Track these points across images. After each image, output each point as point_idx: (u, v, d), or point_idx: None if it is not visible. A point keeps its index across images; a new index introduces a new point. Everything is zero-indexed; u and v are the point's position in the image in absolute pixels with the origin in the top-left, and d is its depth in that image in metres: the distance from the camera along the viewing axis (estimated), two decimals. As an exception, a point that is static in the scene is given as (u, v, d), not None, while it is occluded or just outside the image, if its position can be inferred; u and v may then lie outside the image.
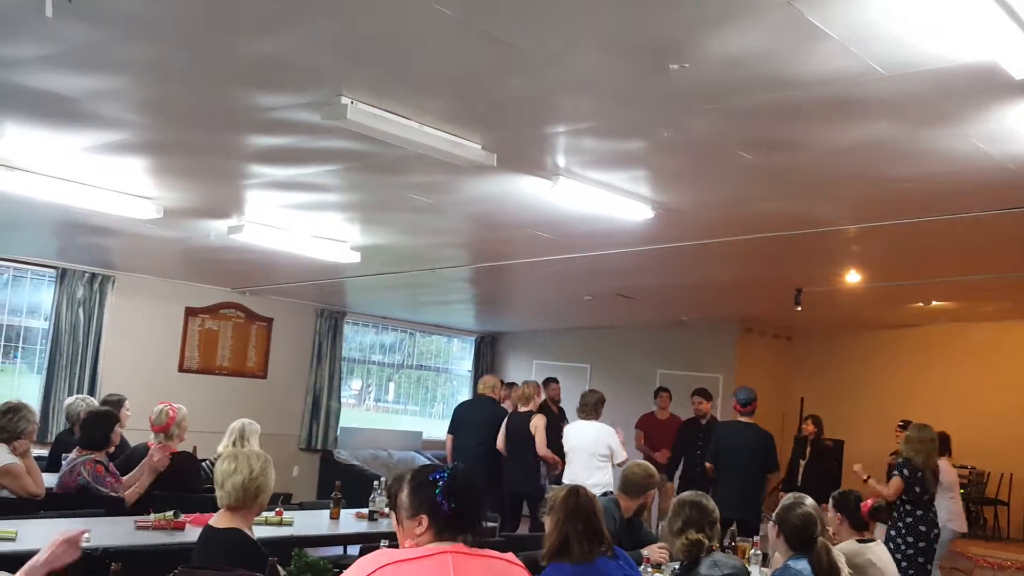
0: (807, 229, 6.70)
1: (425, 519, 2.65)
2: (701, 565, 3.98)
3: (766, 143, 4.94)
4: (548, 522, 3.73)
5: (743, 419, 7.73)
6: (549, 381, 10.81)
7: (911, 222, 6.30)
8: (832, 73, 3.86)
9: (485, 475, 8.52)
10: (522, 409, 8.49)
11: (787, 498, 4.32)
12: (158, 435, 6.02)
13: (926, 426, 7.20)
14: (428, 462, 12.15)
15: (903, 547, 6.86)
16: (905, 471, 6.97)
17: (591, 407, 7.67)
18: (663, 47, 3.75)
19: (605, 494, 5.64)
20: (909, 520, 6.89)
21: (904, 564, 6.75)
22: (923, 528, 6.86)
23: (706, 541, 4.05)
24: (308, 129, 4.87)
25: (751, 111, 4.43)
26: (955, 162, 5.04)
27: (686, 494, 4.40)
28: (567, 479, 7.40)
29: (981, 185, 5.44)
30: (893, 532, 6.97)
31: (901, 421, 9.08)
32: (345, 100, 4.32)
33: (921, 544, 6.82)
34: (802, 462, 9.60)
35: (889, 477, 7.24)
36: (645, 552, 4.78)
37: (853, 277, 8.90)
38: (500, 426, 8.59)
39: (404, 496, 2.71)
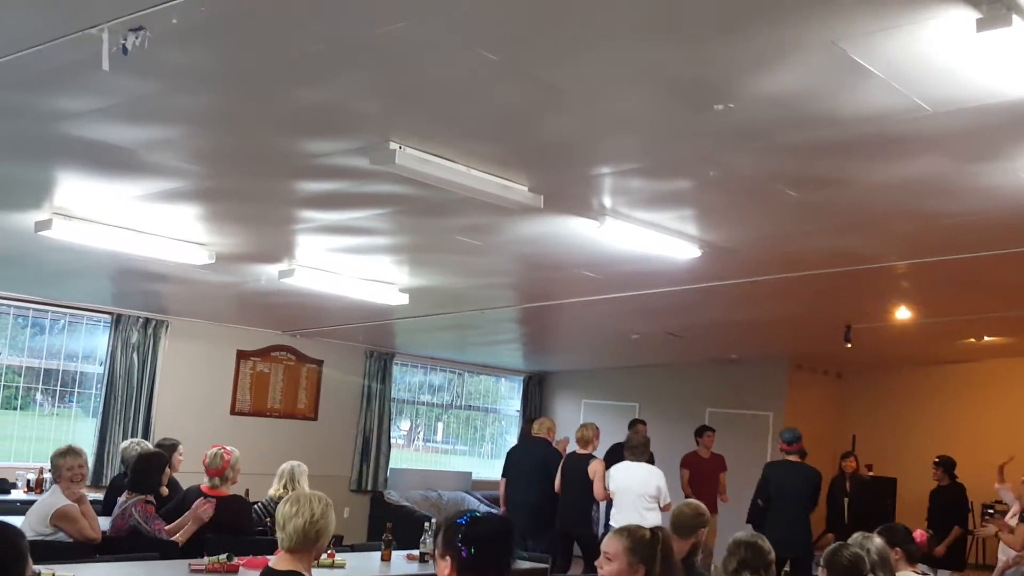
0: (856, 266, 6.66)
1: (449, 561, 2.80)
2: (755, 606, 3.94)
3: (813, 180, 4.94)
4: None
5: (791, 458, 7.71)
6: (636, 423, 10.76)
7: (959, 257, 6.25)
8: (877, 110, 3.86)
9: (536, 517, 8.50)
10: (580, 451, 8.48)
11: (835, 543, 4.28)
12: (213, 479, 6.08)
13: None
14: (477, 503, 12.15)
15: None
16: None
17: (641, 448, 7.67)
18: (708, 87, 3.79)
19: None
20: None
21: None
22: None
23: (761, 582, 4.00)
24: (357, 174, 4.95)
25: (797, 149, 4.44)
26: (1003, 196, 5.00)
27: (741, 534, 4.35)
28: (615, 520, 7.38)
29: (1031, 219, 5.39)
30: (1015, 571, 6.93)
31: (937, 457, 8.99)
32: (393, 145, 4.40)
33: None
34: (846, 499, 9.52)
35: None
36: (697, 594, 4.73)
37: (903, 313, 8.80)
38: (554, 468, 8.57)
39: (439, 537, 2.89)
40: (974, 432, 11.55)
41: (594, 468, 8.26)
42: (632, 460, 7.65)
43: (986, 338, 10.48)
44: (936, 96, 3.69)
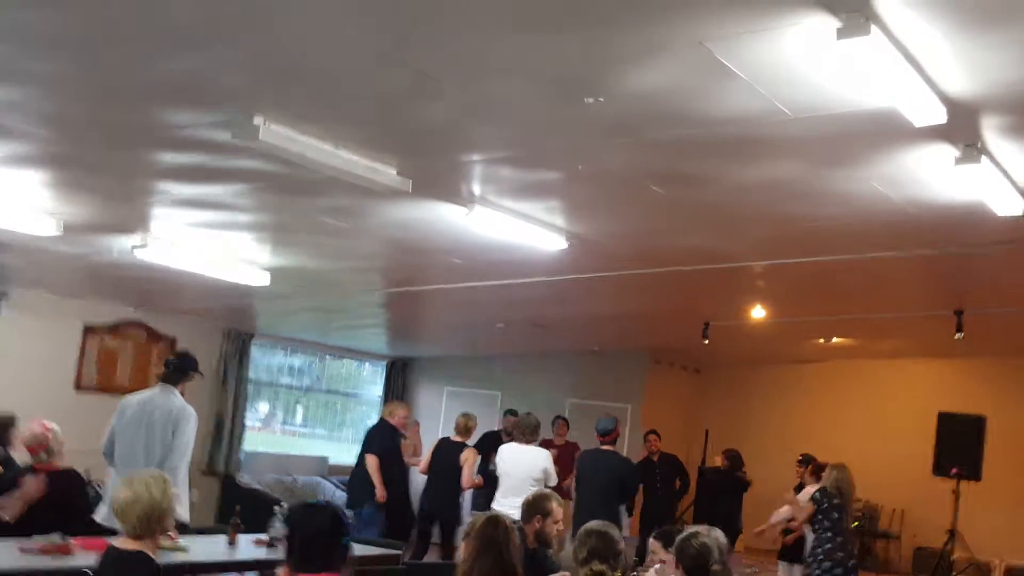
0: (715, 264, 6.82)
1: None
2: (603, 595, 3.98)
3: (677, 178, 5.03)
4: (464, 548, 3.69)
5: (605, 448, 7.86)
6: (508, 413, 10.89)
7: (814, 260, 6.46)
8: (740, 112, 3.94)
9: (359, 490, 8.54)
10: (455, 439, 8.51)
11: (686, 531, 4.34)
12: (38, 455, 5.77)
13: (844, 466, 7.58)
14: (333, 488, 11.99)
15: (817, 571, 7.08)
16: (816, 495, 7.25)
17: (531, 430, 7.70)
18: (579, 80, 3.79)
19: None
20: (828, 546, 7.11)
21: None
22: (840, 555, 7.10)
23: (610, 572, 4.04)
24: (219, 148, 4.77)
25: (663, 146, 4.51)
26: (857, 203, 5.19)
27: (592, 523, 4.38)
28: (498, 501, 7.46)
29: (881, 227, 5.61)
30: (812, 558, 7.20)
31: (800, 455, 9.22)
32: (258, 120, 4.26)
33: (837, 570, 7.04)
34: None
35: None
36: (547, 583, 4.75)
37: (758, 312, 9.08)
38: (389, 449, 8.61)
39: None
40: (819, 429, 11.99)
41: (465, 456, 8.30)
42: (521, 442, 7.69)
43: (834, 339, 10.90)
44: (796, 102, 3.79)
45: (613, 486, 7.63)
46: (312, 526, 2.79)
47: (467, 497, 10.67)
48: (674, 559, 4.20)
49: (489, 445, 9.74)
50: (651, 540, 5.30)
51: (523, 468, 7.50)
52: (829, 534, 7.18)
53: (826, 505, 7.27)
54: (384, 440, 8.73)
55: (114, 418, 6.34)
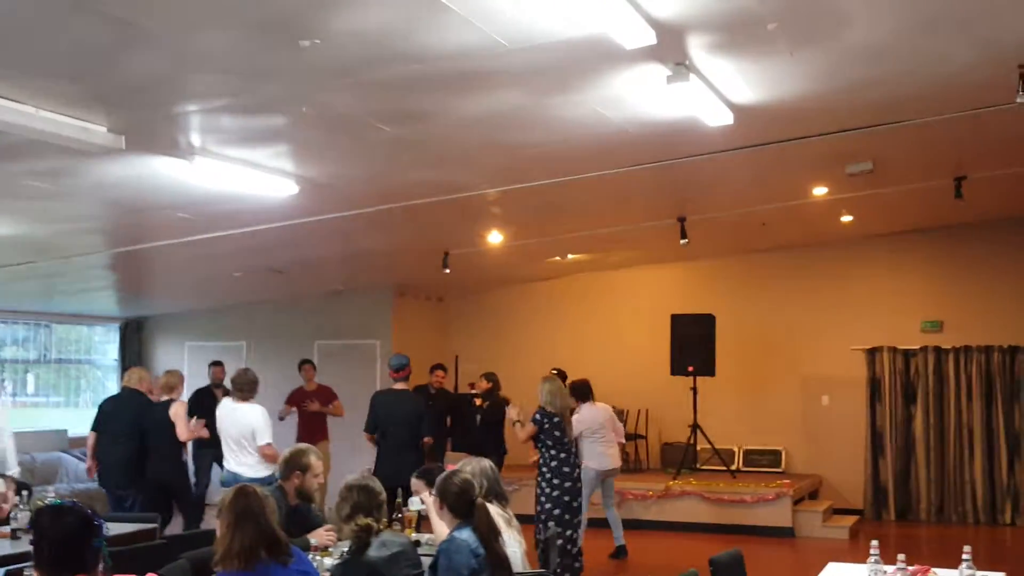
0: (449, 195, 6.89)
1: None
2: (371, 547, 3.98)
3: (401, 116, 5.03)
4: (220, 525, 3.57)
5: (398, 386, 7.84)
6: (213, 364, 10.50)
7: (543, 184, 6.65)
8: (459, 47, 3.97)
9: (127, 471, 8.03)
10: (163, 398, 8.04)
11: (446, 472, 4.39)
12: None
13: (554, 377, 7.84)
14: (77, 462, 11.33)
15: (547, 489, 7.31)
16: (537, 416, 7.44)
17: (248, 387, 7.32)
18: (292, 23, 3.70)
19: (271, 483, 5.46)
20: (554, 464, 7.34)
21: (549, 505, 7.30)
22: (567, 469, 7.35)
23: (375, 524, 4.04)
24: None
25: (384, 85, 4.49)
26: (579, 127, 5.38)
27: (352, 478, 4.35)
28: (227, 461, 7.21)
29: (603, 147, 5.86)
30: (540, 477, 7.40)
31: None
32: (-66, 84, 3.86)
33: (567, 484, 7.31)
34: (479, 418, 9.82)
35: None
36: (313, 539, 4.70)
37: (496, 237, 9.28)
38: (147, 420, 8.11)
39: None
40: (564, 343, 12.47)
41: (175, 411, 7.87)
42: (237, 400, 7.28)
43: (570, 256, 11.32)
44: (513, 33, 3.86)
45: (415, 425, 7.65)
46: (60, 530, 2.62)
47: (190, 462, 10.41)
48: (438, 500, 4.25)
49: (201, 402, 9.42)
50: (413, 480, 5.33)
51: (238, 428, 7.19)
52: (554, 451, 7.38)
53: (547, 424, 7.39)
54: (154, 413, 8.09)
55: None
